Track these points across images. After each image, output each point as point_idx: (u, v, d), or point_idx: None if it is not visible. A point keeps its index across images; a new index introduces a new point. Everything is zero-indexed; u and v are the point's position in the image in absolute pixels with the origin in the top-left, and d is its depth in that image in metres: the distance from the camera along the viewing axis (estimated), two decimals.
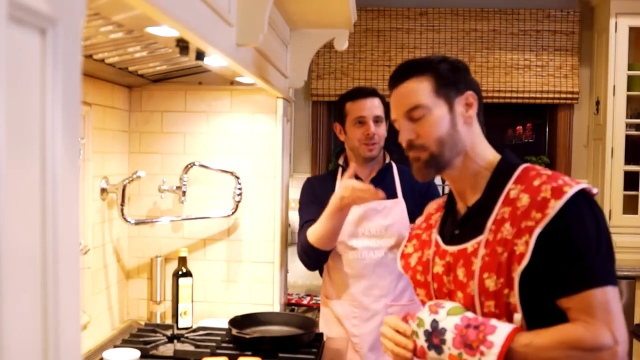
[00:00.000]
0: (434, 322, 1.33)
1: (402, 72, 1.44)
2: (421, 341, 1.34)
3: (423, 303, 1.51)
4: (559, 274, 1.25)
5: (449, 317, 1.32)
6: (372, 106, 2.37)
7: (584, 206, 1.28)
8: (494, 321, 1.28)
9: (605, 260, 1.27)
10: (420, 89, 1.40)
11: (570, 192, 1.26)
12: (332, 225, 2.24)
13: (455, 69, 1.43)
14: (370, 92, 2.41)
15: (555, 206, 1.25)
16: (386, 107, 2.43)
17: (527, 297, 1.27)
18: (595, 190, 1.32)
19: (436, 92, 1.40)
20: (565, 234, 1.25)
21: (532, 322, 1.28)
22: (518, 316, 1.27)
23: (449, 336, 1.29)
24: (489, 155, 1.43)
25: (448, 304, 1.36)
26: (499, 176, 1.38)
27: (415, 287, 1.54)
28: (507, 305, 1.28)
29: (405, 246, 1.60)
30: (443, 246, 1.44)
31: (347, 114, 2.40)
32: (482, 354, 1.24)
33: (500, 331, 1.25)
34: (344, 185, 2.15)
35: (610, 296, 1.24)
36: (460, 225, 1.43)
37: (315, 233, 2.29)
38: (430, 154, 1.39)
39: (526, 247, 1.25)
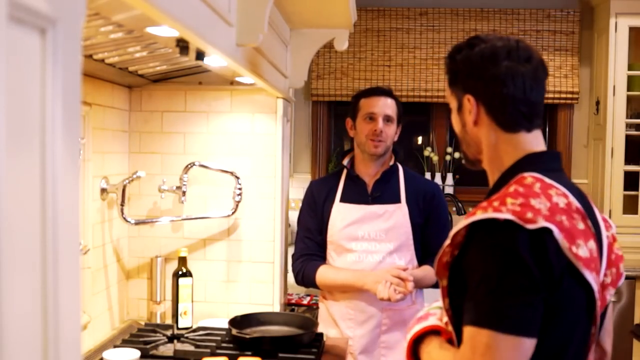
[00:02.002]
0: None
1: None
2: None
3: None
4: (466, 298, 1.18)
5: (422, 310, 1.41)
6: (385, 105, 2.38)
7: (496, 237, 1.13)
8: (431, 317, 1.32)
9: (506, 305, 1.10)
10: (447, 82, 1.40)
11: (477, 217, 1.15)
12: (346, 289, 2.34)
13: (464, 64, 1.31)
14: (386, 92, 2.42)
15: (459, 225, 1.18)
16: (400, 110, 2.43)
17: (455, 310, 1.23)
18: (536, 226, 1.12)
19: (450, 88, 1.37)
20: (467, 258, 1.17)
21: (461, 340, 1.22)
22: (445, 318, 1.28)
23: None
24: (506, 158, 1.29)
25: (437, 302, 1.40)
26: (501, 181, 1.28)
27: None
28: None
29: None
30: None
31: (359, 110, 2.41)
32: (405, 339, 1.34)
33: (425, 323, 1.30)
34: (384, 285, 2.19)
35: (494, 342, 1.09)
36: None
37: (326, 282, 2.38)
38: (462, 149, 1.41)
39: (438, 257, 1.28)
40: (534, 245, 1.11)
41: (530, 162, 1.27)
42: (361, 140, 2.39)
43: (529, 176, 1.22)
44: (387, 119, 2.37)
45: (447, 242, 1.21)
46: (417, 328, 1.32)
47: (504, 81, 1.26)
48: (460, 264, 1.20)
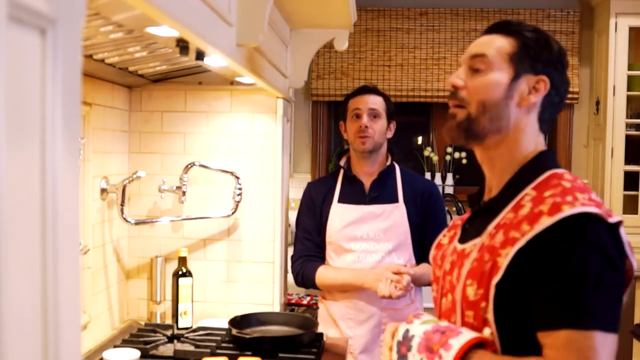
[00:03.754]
0: (406, 332, 1.23)
1: (493, 27, 1.30)
2: (394, 353, 1.24)
3: (435, 300, 1.43)
4: (541, 302, 1.10)
5: (422, 325, 1.22)
6: (370, 101, 2.40)
7: (588, 233, 1.09)
8: (463, 329, 1.16)
9: (605, 302, 1.08)
10: (497, 45, 1.26)
11: (567, 212, 1.09)
12: (346, 288, 2.34)
13: (544, 46, 1.26)
14: (372, 90, 2.44)
15: (543, 223, 1.10)
16: (389, 106, 2.44)
17: (504, 319, 1.14)
18: (615, 219, 1.12)
19: (510, 57, 1.25)
20: (552, 258, 1.09)
21: (509, 350, 1.15)
22: (487, 331, 1.16)
23: (415, 341, 1.19)
24: (527, 152, 1.26)
25: (426, 317, 1.26)
26: (521, 178, 1.23)
27: (432, 282, 1.44)
28: (484, 320, 1.16)
29: (444, 235, 1.45)
30: (455, 241, 1.34)
31: (347, 110, 2.43)
32: (440, 357, 1.12)
33: (464, 336, 1.13)
34: (385, 282, 2.19)
35: (598, 343, 1.05)
36: (470, 221, 1.32)
37: (326, 282, 2.39)
38: (467, 115, 1.24)
39: (505, 260, 1.13)
40: (616, 240, 1.12)
41: (548, 158, 1.26)
42: (351, 139, 2.42)
43: (564, 172, 1.21)
44: (373, 114, 2.38)
45: (521, 244, 1.12)
46: (460, 341, 1.12)
47: (568, 83, 1.29)
48: (519, 263, 1.12)
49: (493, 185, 1.30)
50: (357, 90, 2.46)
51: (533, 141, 1.27)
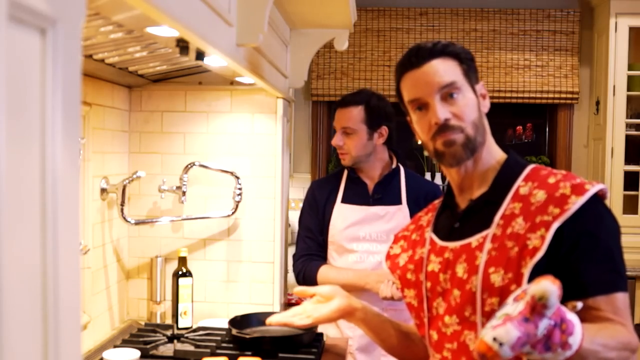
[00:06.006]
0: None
1: (424, 53, 1.34)
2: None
3: (410, 305, 1.45)
4: (584, 272, 1.21)
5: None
6: (343, 117, 2.37)
7: (603, 207, 1.26)
8: (570, 315, 1.05)
9: (624, 265, 1.25)
10: (451, 68, 1.33)
11: (592, 190, 1.22)
12: (347, 289, 2.33)
13: (472, 58, 1.38)
14: (350, 102, 2.38)
15: (576, 202, 1.21)
16: (373, 114, 2.36)
17: None
18: (607, 193, 1.29)
19: (464, 74, 1.34)
20: (590, 232, 1.22)
21: None
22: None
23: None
24: (498, 151, 1.39)
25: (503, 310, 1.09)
26: (508, 172, 1.34)
27: (403, 288, 1.47)
28: None
29: (391, 247, 1.57)
30: (440, 243, 1.38)
31: None
32: (554, 352, 1.04)
33: (577, 330, 1.05)
34: (387, 284, 2.21)
35: (628, 302, 1.23)
36: (461, 219, 1.37)
37: (328, 282, 2.37)
38: (466, 136, 1.31)
39: (541, 241, 1.19)
40: None
41: (517, 155, 1.40)
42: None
43: (540, 166, 1.35)
44: (346, 131, 2.36)
45: (558, 223, 1.20)
46: (578, 335, 1.04)
47: None
48: (553, 240, 1.20)
49: (473, 185, 1.38)
50: (340, 102, 2.43)
51: (493, 140, 1.39)
